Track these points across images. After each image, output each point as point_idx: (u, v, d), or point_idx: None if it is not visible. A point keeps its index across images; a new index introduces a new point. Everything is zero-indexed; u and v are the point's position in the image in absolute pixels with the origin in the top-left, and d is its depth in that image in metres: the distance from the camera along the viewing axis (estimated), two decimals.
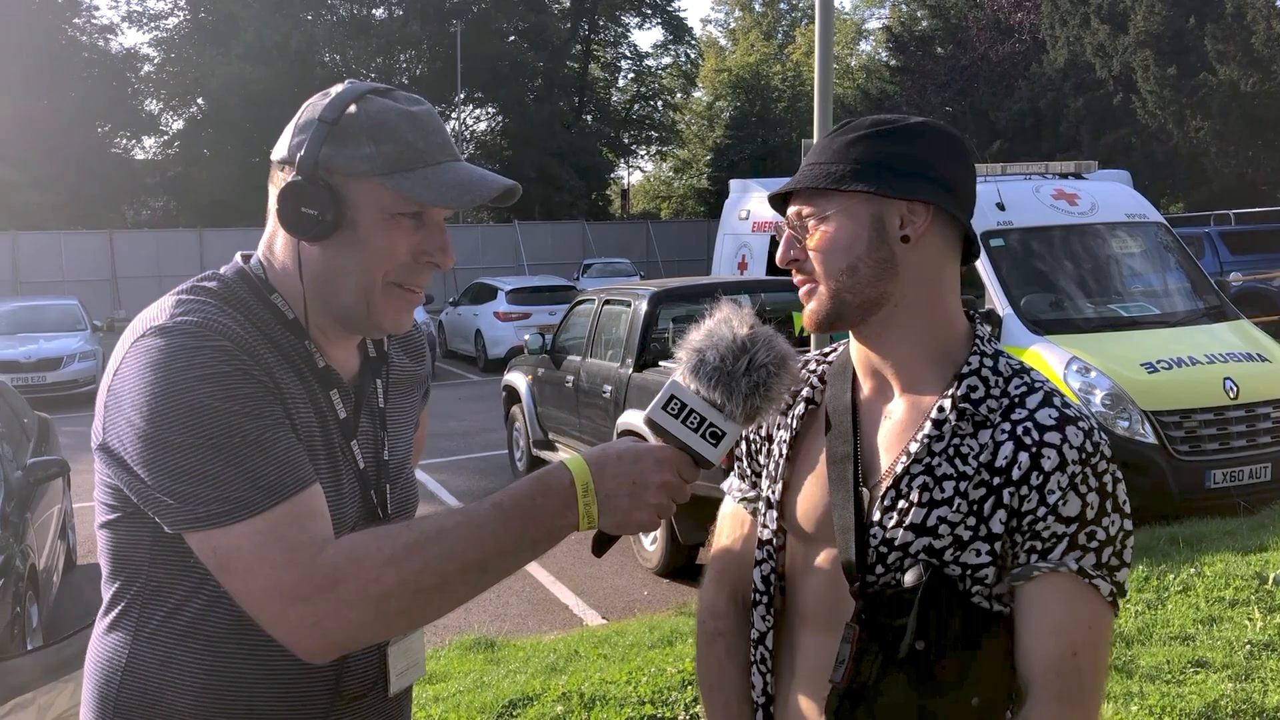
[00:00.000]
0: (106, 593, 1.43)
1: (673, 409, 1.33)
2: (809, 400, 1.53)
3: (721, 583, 1.62)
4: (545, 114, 41.25)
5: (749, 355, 1.33)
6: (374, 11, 41.34)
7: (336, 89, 1.43)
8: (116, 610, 1.41)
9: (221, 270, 1.46)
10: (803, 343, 5.69)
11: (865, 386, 1.47)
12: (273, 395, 1.33)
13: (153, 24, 39.85)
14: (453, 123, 42.34)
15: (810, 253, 1.40)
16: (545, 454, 9.16)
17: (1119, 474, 1.33)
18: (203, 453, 1.26)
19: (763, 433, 1.57)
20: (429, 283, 1.47)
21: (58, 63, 32.80)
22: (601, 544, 1.39)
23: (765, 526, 1.53)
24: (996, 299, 7.90)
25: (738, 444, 1.62)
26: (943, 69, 30.75)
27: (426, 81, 40.80)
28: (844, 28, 47.82)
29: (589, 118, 47.60)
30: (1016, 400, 1.35)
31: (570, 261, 30.29)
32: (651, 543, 7.12)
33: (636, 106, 50.25)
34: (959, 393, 1.36)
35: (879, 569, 1.35)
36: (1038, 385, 1.37)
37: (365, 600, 1.25)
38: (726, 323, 1.36)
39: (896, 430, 1.41)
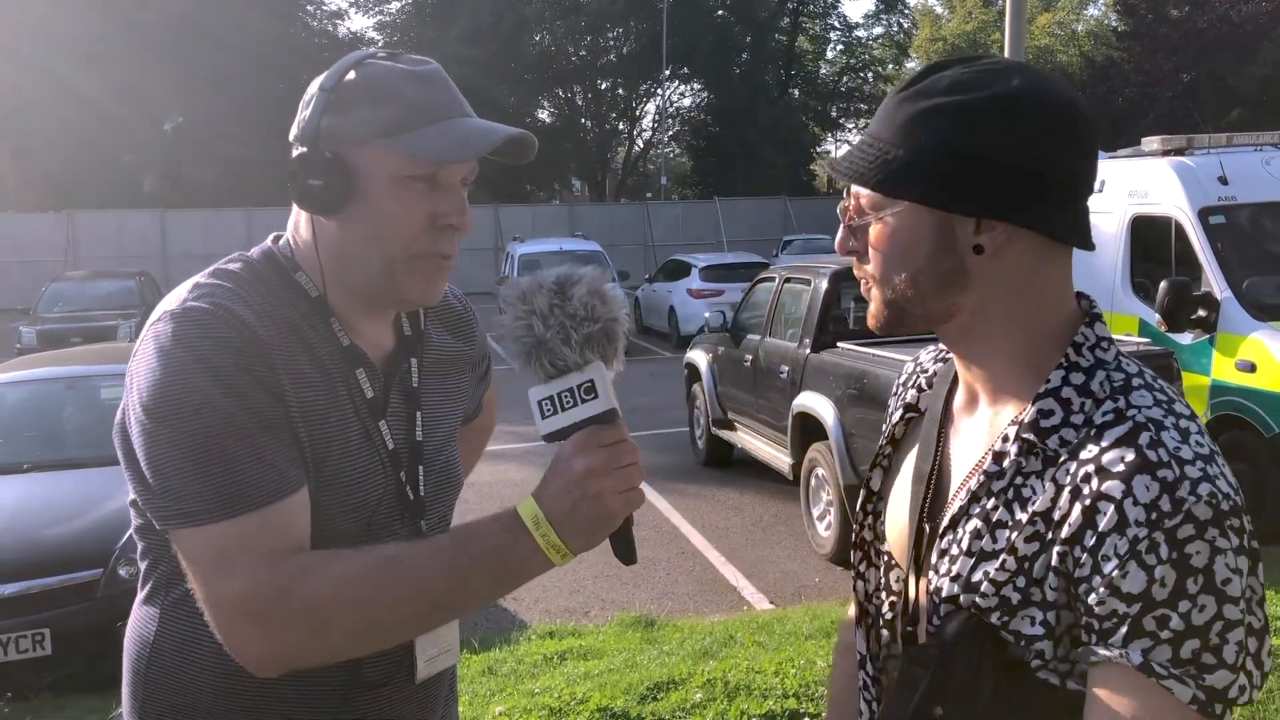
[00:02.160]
0: (141, 567, 1.45)
1: (548, 409, 1.26)
2: (911, 406, 1.33)
3: None
4: (750, 88, 40.89)
5: (536, 314, 1.26)
6: None
7: (342, 59, 1.40)
8: (149, 586, 1.44)
9: (250, 251, 1.45)
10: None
11: (962, 392, 1.25)
12: (269, 391, 1.30)
13: (377, 8, 41.82)
14: (658, 100, 42.62)
15: (868, 249, 1.18)
16: (724, 433, 9.09)
17: (1222, 544, 0.99)
18: (183, 450, 1.25)
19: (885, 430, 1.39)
20: (455, 248, 1.40)
21: (291, 48, 34.88)
22: (619, 549, 1.31)
23: (856, 536, 1.36)
24: (1214, 280, 7.25)
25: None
26: (1177, 32, 28.55)
27: (633, 58, 41.19)
28: None
29: (795, 91, 46.89)
30: (1094, 433, 1.06)
31: (771, 238, 29.97)
32: (826, 528, 6.94)
33: (845, 79, 49.13)
34: (1026, 419, 1.10)
35: (935, 619, 1.14)
36: (1130, 413, 1.06)
37: (309, 623, 1.23)
38: (506, 314, 1.29)
39: (969, 456, 1.19)
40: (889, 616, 1.28)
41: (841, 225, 1.22)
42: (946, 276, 1.13)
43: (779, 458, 7.79)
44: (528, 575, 1.28)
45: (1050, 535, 1.05)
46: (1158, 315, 7.30)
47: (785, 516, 7.85)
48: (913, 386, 1.35)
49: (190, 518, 1.25)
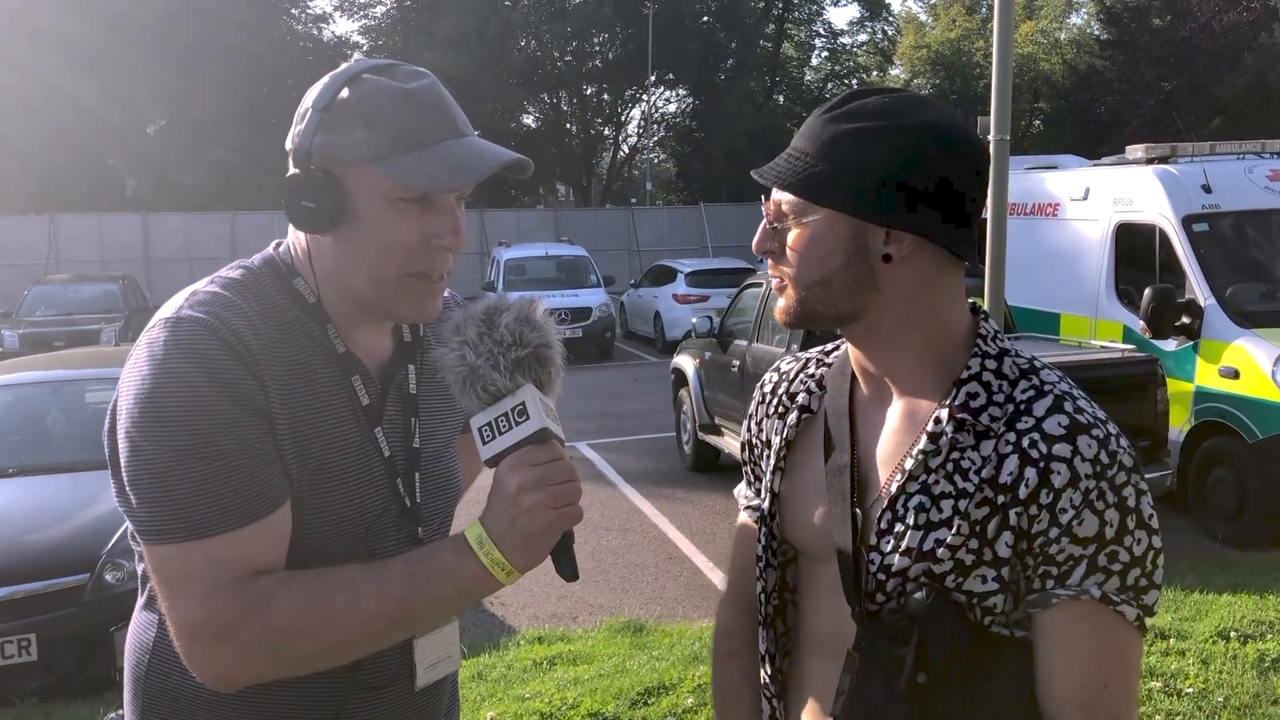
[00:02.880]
0: (139, 571, 1.45)
1: (487, 435, 1.31)
2: (804, 408, 1.41)
3: (737, 598, 1.52)
4: (736, 95, 40.96)
5: (468, 344, 1.30)
6: None
7: (337, 70, 1.39)
8: (147, 591, 1.44)
9: (252, 258, 1.45)
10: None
11: (864, 388, 1.35)
12: (256, 410, 1.30)
13: (361, 13, 41.69)
14: (643, 105, 42.69)
15: (787, 250, 1.28)
16: (711, 438, 9.10)
17: (1143, 486, 1.19)
18: (159, 467, 1.26)
19: (763, 437, 1.47)
20: (449, 266, 1.41)
21: (276, 51, 34.73)
22: (560, 565, 1.34)
23: (759, 541, 1.42)
24: (1198, 288, 7.33)
25: (743, 449, 1.53)
26: (1158, 42, 28.77)
27: (619, 64, 41.21)
28: (1054, 0, 45.54)
29: (780, 98, 47.00)
30: (1022, 407, 1.21)
31: None
32: None
33: (830, 85, 49.28)
34: (956, 401, 1.23)
35: (879, 596, 1.24)
36: (1047, 389, 1.22)
37: (265, 645, 1.26)
38: (444, 350, 1.33)
39: (893, 442, 1.29)
40: (823, 602, 1.34)
41: (762, 226, 1.32)
42: (858, 280, 1.25)
43: None
44: (477, 594, 1.32)
45: (1001, 499, 1.18)
46: (1142, 322, 7.36)
47: None
48: (800, 390, 1.43)
49: (160, 534, 1.27)
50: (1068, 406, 1.20)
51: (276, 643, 1.26)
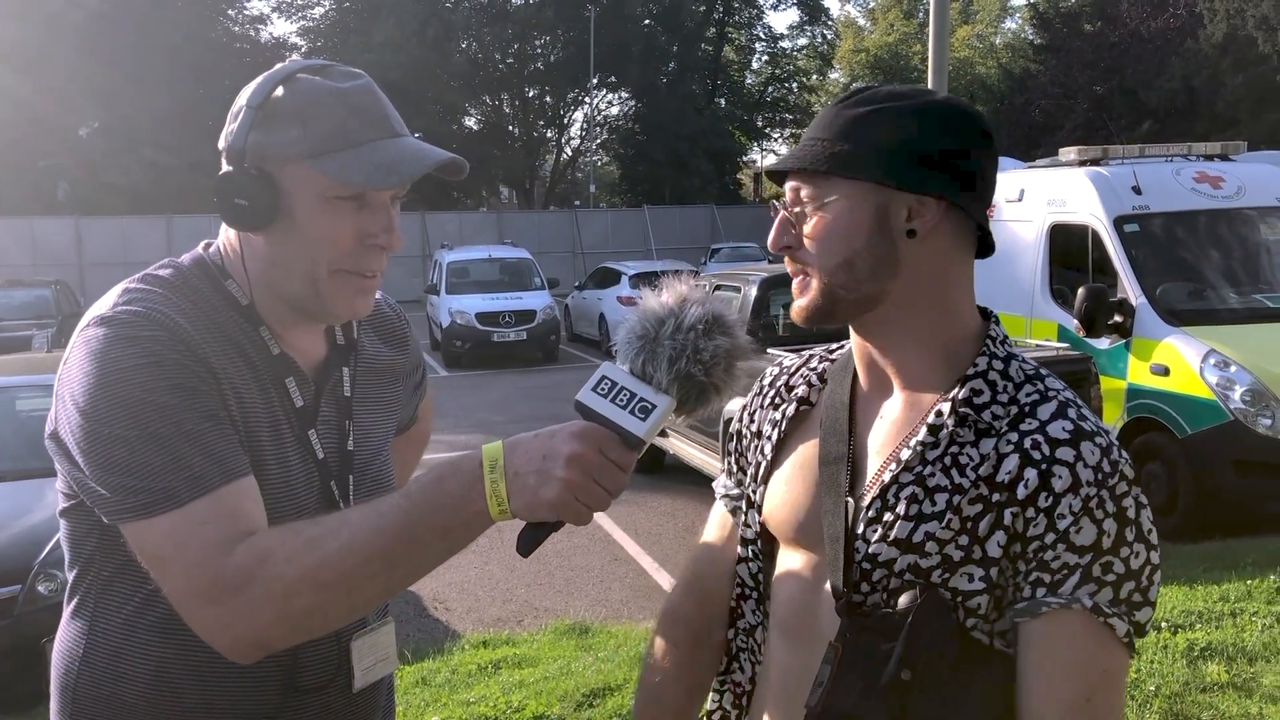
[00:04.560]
0: (69, 579, 1.43)
1: (602, 389, 1.20)
2: (804, 400, 1.40)
3: (691, 586, 1.50)
4: (677, 98, 41.14)
5: (676, 319, 1.20)
6: None
7: (272, 70, 1.38)
8: (76, 599, 1.42)
9: (181, 258, 1.44)
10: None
11: (864, 382, 1.33)
12: (207, 386, 1.30)
13: (300, 14, 41.26)
14: (585, 108, 42.66)
15: (805, 240, 1.26)
16: (656, 439, 9.11)
17: (1143, 499, 1.17)
18: (130, 445, 1.24)
19: (754, 428, 1.45)
20: (381, 266, 1.41)
21: (213, 52, 34.25)
22: (526, 540, 1.21)
23: (748, 526, 1.41)
24: (1129, 287, 7.49)
25: (731, 439, 1.51)
26: (1090, 46, 29.42)
27: (561, 66, 41.18)
28: (989, 4, 46.32)
29: (721, 101, 47.26)
30: (1027, 409, 1.20)
31: (699, 246, 30.16)
32: None
33: (770, 89, 49.68)
34: (960, 395, 1.22)
35: (864, 586, 1.22)
36: (1052, 394, 1.21)
37: (270, 600, 1.20)
38: (658, 295, 1.24)
39: (890, 433, 1.27)
40: (794, 589, 1.33)
41: (776, 222, 1.30)
42: (881, 260, 1.24)
43: (711, 463, 7.85)
44: (474, 524, 1.20)
45: (997, 498, 1.16)
46: (1076, 321, 7.51)
47: None
48: (800, 383, 1.42)
49: (147, 509, 1.24)
50: (1072, 413, 1.19)
51: (281, 595, 1.19)
